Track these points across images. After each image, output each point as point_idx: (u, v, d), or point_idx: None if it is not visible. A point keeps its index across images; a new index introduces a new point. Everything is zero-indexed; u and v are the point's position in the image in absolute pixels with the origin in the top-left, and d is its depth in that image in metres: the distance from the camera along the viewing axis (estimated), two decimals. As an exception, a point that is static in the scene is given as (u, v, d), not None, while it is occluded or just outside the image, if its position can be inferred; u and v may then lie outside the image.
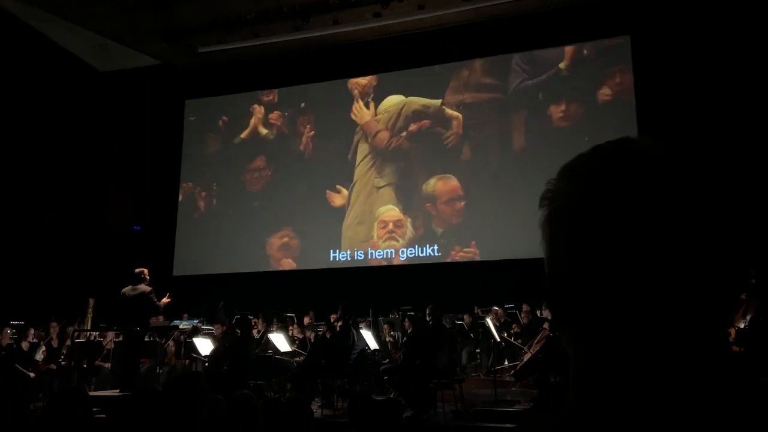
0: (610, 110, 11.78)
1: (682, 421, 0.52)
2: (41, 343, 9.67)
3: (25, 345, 9.30)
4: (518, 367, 7.40)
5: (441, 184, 12.87)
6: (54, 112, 13.80)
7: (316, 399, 7.70)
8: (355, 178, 13.57)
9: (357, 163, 13.64)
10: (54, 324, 10.16)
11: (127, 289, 8.24)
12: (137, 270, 8.40)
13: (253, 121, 14.70)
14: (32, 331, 9.49)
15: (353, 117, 13.79)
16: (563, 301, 0.59)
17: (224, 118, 14.90)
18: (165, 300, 8.44)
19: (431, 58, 13.22)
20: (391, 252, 12.88)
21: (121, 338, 8.90)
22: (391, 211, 13.13)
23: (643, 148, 0.59)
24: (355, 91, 13.89)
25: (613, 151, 0.60)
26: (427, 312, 7.50)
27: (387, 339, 9.87)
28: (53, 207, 13.44)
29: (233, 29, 12.99)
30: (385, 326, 10.32)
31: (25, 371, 8.75)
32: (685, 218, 0.55)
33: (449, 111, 13.08)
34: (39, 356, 9.43)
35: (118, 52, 14.03)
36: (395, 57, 13.32)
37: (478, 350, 10.08)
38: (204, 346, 8.68)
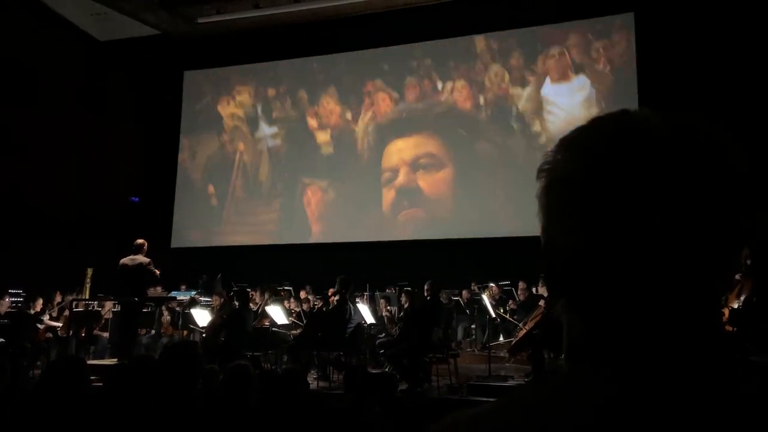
0: (612, 87, 11.69)
1: (671, 394, 0.52)
2: (47, 311, 9.79)
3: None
4: (513, 343, 7.45)
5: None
6: (53, 81, 13.66)
7: (312, 371, 7.77)
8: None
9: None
10: (59, 294, 10.25)
11: (126, 260, 8.30)
12: (139, 241, 8.45)
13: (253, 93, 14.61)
14: (40, 300, 9.60)
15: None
16: (558, 269, 0.60)
17: (222, 90, 14.79)
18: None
19: (434, 33, 13.07)
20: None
21: (119, 308, 8.96)
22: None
23: (643, 120, 0.59)
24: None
25: (613, 122, 0.60)
26: (426, 287, 7.51)
27: (383, 313, 9.92)
28: (50, 177, 13.37)
29: (233, -1, 12.83)
30: (382, 301, 10.36)
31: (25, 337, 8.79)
32: (683, 192, 0.55)
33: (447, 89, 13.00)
34: (46, 318, 9.56)
35: (117, 22, 13.87)
36: (397, 31, 13.17)
37: (473, 326, 10.14)
38: (201, 317, 8.74)
